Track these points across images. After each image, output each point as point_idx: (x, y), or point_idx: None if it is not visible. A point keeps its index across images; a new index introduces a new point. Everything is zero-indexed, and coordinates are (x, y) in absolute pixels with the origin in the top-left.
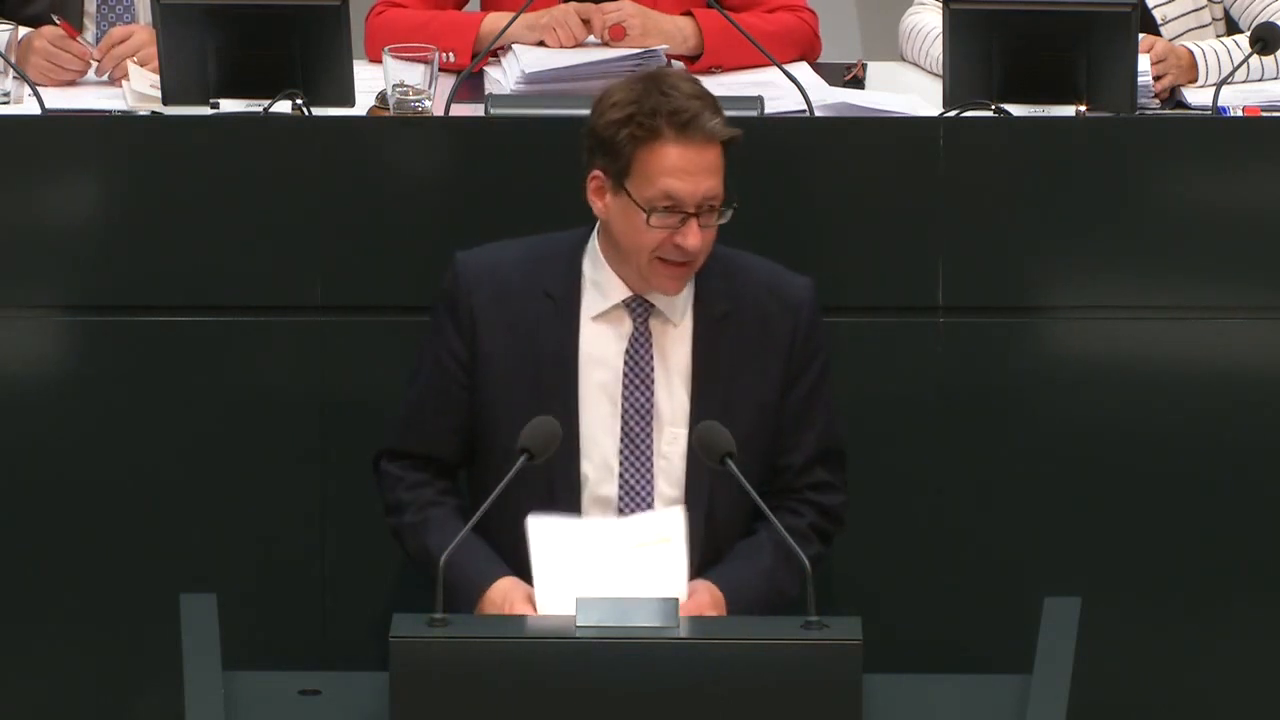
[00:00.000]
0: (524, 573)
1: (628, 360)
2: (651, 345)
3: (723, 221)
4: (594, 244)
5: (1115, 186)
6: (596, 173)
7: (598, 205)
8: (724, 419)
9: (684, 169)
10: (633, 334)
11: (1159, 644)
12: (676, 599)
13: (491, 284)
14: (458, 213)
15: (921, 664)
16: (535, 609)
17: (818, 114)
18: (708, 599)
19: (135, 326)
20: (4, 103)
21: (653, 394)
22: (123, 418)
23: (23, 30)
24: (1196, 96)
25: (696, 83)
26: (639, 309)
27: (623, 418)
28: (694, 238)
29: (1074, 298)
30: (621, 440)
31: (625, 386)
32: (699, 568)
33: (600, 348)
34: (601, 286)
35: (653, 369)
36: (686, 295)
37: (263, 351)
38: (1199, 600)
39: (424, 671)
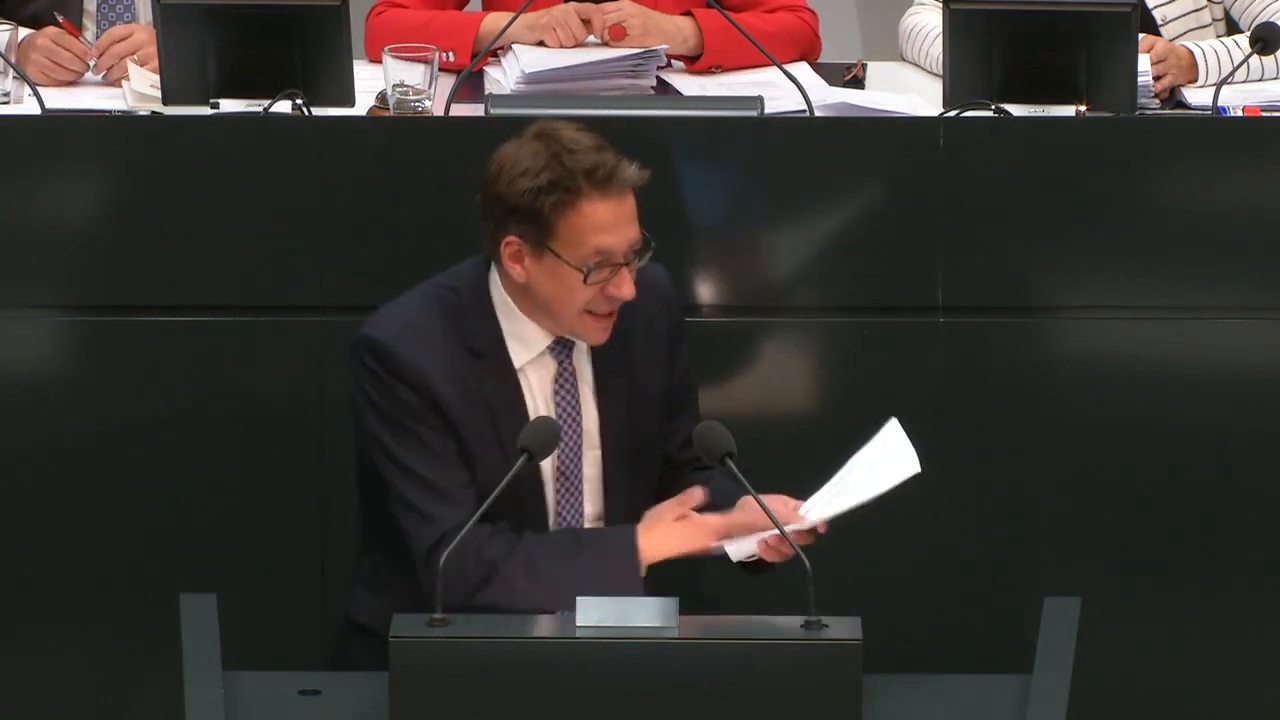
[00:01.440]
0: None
1: (558, 398)
2: (576, 379)
3: (642, 264)
4: (501, 297)
5: (1115, 186)
6: (512, 239)
7: (516, 270)
8: (632, 428)
9: (612, 223)
10: (557, 373)
11: (1159, 644)
12: (676, 599)
13: (422, 344)
14: (458, 213)
15: (921, 664)
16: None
17: (818, 114)
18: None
19: (135, 326)
20: (4, 103)
21: (582, 430)
22: (123, 418)
23: (23, 30)
24: (1196, 96)
25: (589, 131)
26: (561, 350)
27: (559, 453)
28: (628, 287)
29: (1074, 298)
30: (556, 470)
31: (561, 420)
32: None
33: (531, 395)
34: (523, 338)
35: (579, 400)
36: None
37: (263, 351)
38: (1199, 600)
39: (424, 671)
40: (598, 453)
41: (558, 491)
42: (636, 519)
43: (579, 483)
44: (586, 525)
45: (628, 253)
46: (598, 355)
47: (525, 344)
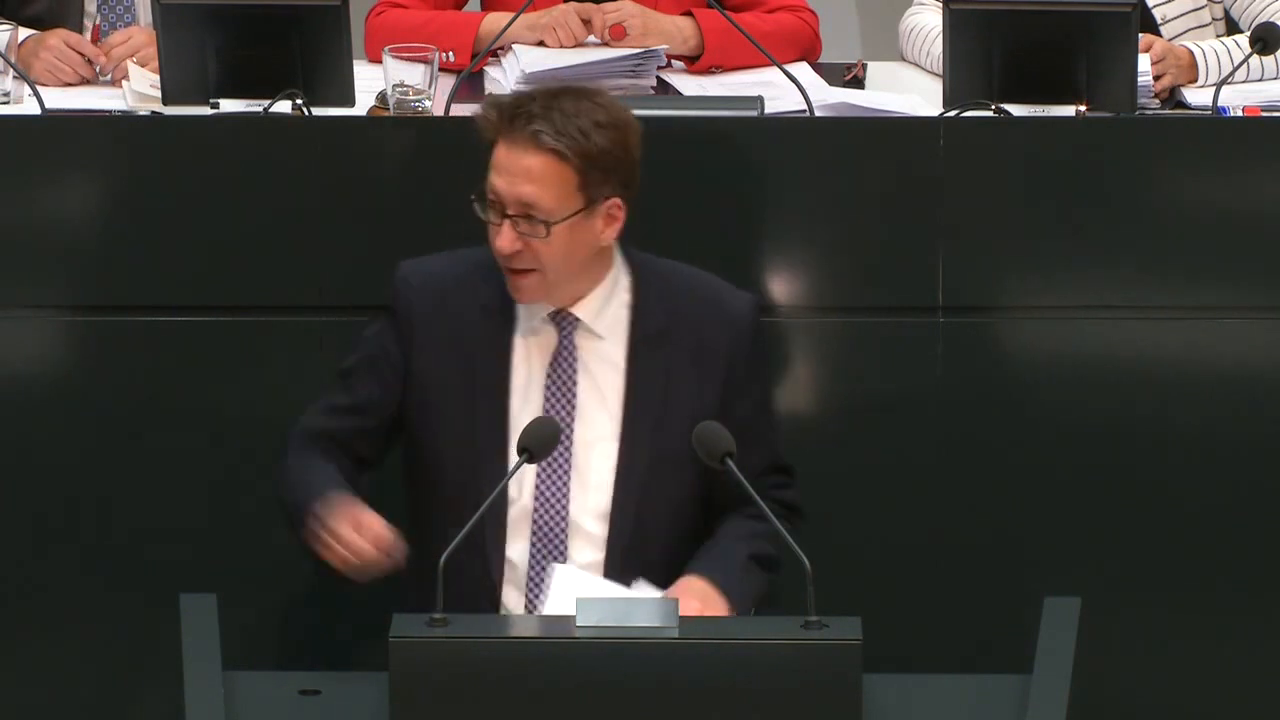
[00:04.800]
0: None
1: (550, 375)
2: (576, 361)
3: (547, 239)
4: None
5: (1115, 186)
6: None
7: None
8: (655, 434)
9: (505, 167)
10: (556, 349)
11: (1159, 644)
12: (676, 599)
13: (432, 297)
14: (457, 213)
15: (921, 664)
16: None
17: (818, 114)
18: (698, 586)
19: (135, 326)
20: (4, 103)
21: (574, 410)
22: (122, 418)
23: (24, 31)
24: (1196, 96)
25: (598, 105)
26: (564, 323)
27: None
28: (502, 239)
29: (1074, 298)
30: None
31: (546, 400)
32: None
33: (527, 363)
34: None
35: (576, 385)
36: (621, 310)
37: (263, 351)
38: (1199, 600)
39: (424, 671)
40: (611, 445)
41: (539, 474)
42: (652, 529)
43: (566, 469)
44: (579, 518)
45: (516, 206)
46: (634, 346)
47: (529, 308)
